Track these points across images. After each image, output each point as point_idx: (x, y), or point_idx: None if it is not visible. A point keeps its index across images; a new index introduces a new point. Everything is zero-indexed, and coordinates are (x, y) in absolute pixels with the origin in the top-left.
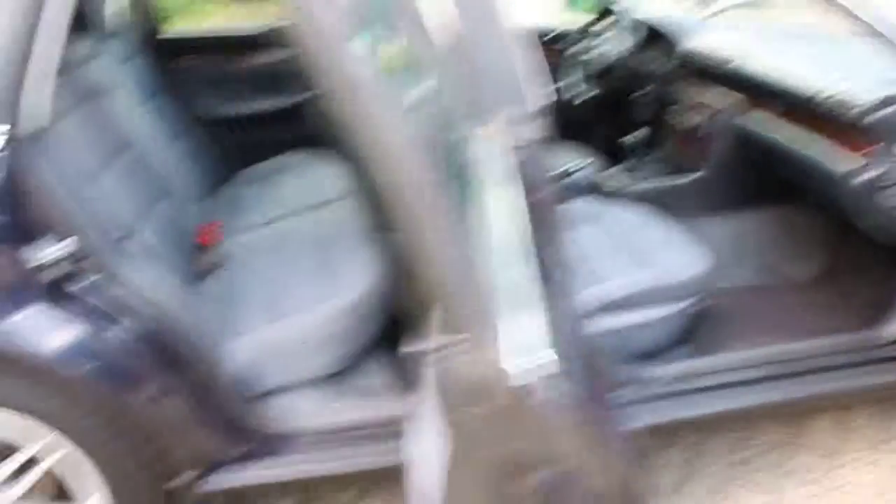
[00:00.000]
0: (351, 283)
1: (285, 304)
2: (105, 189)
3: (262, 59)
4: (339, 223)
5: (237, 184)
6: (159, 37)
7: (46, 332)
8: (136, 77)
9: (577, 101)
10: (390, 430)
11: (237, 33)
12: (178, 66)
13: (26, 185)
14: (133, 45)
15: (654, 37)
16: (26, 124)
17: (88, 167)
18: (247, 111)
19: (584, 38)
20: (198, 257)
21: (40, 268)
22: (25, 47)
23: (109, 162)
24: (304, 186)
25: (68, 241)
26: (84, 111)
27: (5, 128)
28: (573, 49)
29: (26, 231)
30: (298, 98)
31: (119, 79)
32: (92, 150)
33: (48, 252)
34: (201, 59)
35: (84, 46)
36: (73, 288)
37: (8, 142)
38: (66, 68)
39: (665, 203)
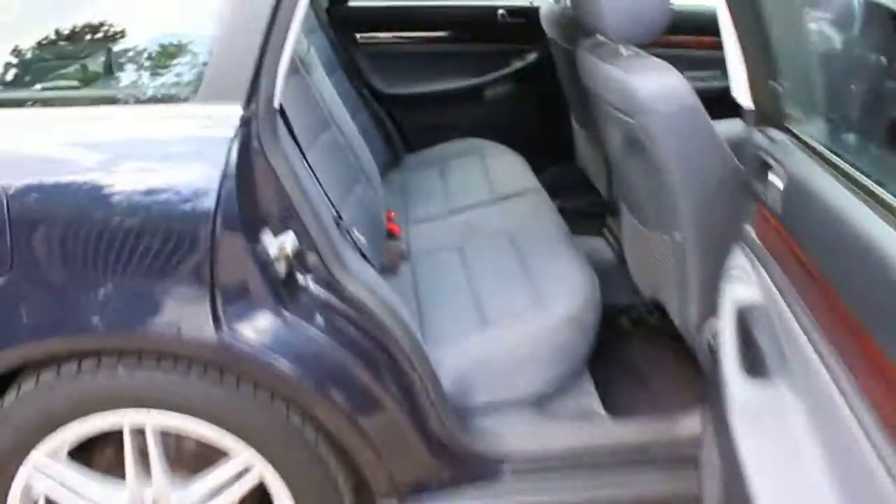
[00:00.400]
0: (563, 291)
1: (490, 310)
2: (314, 170)
3: (437, 37)
4: (528, 219)
5: (406, 168)
6: (334, 8)
7: (272, 331)
8: (321, 50)
9: None
10: (605, 460)
11: (413, 7)
12: (350, 40)
13: (258, 169)
14: (314, 18)
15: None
16: (261, 105)
17: (302, 147)
18: (419, 91)
19: None
20: (388, 248)
21: (272, 259)
22: (268, 24)
23: (314, 140)
24: (483, 176)
25: (295, 230)
26: (292, 86)
27: (238, 110)
28: None
29: (258, 219)
30: (474, 82)
31: (310, 53)
32: (302, 129)
33: (280, 242)
34: (373, 35)
35: None
36: (298, 281)
37: (242, 124)
38: None
39: None
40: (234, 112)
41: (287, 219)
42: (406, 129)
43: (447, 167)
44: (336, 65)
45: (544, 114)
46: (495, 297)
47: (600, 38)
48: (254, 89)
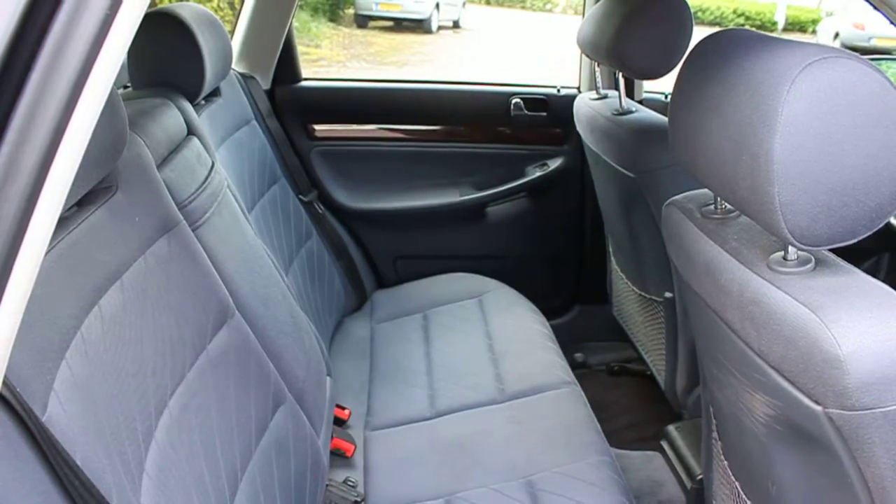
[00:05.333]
0: None
1: None
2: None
3: (422, 132)
4: (560, 458)
5: (374, 314)
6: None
7: None
8: (255, 153)
9: None
10: None
11: (391, 91)
12: (302, 134)
13: None
14: (248, 105)
15: None
16: None
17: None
18: (394, 207)
19: None
20: (330, 493)
21: None
22: None
23: (182, 372)
24: (484, 343)
25: None
26: (141, 275)
27: None
28: None
29: None
30: (472, 196)
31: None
32: (157, 354)
33: None
34: (335, 127)
35: None
36: None
37: None
38: None
39: None
40: None
41: None
42: (376, 258)
43: (432, 319)
44: (278, 172)
45: (568, 241)
46: None
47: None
48: None
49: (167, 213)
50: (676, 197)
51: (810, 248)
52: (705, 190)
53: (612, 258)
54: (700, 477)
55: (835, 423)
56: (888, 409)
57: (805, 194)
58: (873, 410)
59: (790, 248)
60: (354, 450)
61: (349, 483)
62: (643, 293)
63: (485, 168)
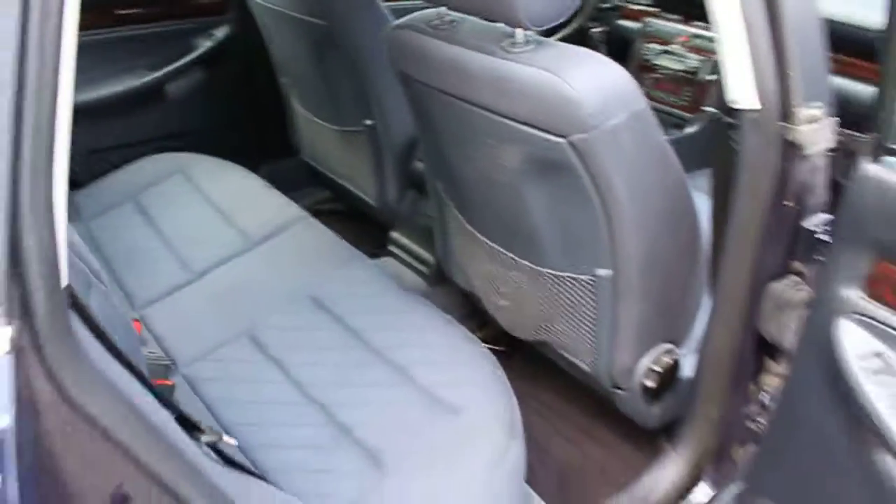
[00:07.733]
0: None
1: (365, 435)
2: None
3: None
4: (329, 270)
5: (83, 213)
6: None
7: None
8: None
9: None
10: None
11: None
12: None
13: None
14: None
15: None
16: None
17: None
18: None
19: None
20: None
21: None
22: None
23: None
24: (209, 207)
25: None
26: None
27: None
28: None
29: None
30: (147, 79)
31: None
32: None
33: None
34: None
35: None
36: None
37: None
38: None
39: None
40: None
41: None
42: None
43: (146, 202)
44: None
45: (247, 103)
46: (368, 411)
47: (445, 13)
48: None
49: None
50: (398, 21)
51: (539, 28)
52: (423, 12)
53: (300, 108)
54: (433, 261)
55: (576, 147)
56: (609, 124)
57: None
58: (600, 127)
59: (518, 32)
60: (141, 328)
61: (152, 353)
62: (341, 128)
63: (156, 49)
